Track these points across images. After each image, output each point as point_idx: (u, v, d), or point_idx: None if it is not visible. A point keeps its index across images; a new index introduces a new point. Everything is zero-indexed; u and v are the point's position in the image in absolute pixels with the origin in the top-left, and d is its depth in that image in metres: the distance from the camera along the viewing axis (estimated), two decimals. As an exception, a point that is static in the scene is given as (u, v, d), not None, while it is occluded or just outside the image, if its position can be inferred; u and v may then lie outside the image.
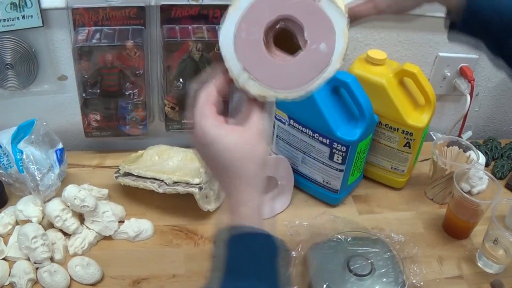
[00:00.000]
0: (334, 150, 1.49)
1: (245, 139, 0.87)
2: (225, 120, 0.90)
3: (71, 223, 1.40)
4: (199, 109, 0.89)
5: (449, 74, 1.86)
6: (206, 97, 0.90)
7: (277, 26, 0.88)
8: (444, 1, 1.03)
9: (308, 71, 0.87)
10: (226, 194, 0.92)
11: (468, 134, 1.96)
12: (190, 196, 1.45)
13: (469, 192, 1.65)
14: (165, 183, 1.45)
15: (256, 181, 0.88)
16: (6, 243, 1.39)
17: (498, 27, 0.96)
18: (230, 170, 0.87)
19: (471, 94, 1.82)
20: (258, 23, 0.87)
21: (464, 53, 1.83)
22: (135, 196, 1.56)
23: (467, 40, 1.07)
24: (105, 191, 1.53)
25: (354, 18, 0.91)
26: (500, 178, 1.81)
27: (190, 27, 1.57)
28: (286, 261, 0.89)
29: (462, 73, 1.84)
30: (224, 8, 1.51)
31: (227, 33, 0.88)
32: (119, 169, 1.55)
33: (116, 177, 1.53)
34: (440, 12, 1.68)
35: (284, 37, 0.89)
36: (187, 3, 1.53)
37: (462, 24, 1.01)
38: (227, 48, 0.89)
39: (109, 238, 1.44)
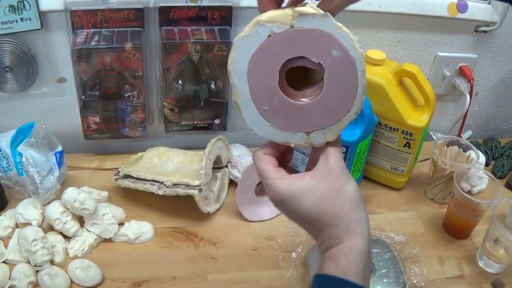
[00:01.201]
0: (333, 151, 1.49)
1: (324, 179, 0.84)
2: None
3: (71, 226, 1.40)
4: (259, 171, 0.88)
5: (448, 73, 1.85)
6: (263, 163, 0.88)
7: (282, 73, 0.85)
8: None
9: (347, 81, 0.83)
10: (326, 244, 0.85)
11: (468, 133, 1.96)
12: (190, 198, 1.45)
13: (469, 192, 1.65)
14: (165, 185, 1.45)
15: (357, 223, 0.83)
16: (6, 246, 1.38)
17: None
18: (320, 219, 0.83)
19: (470, 93, 1.82)
20: (269, 88, 0.84)
21: (463, 52, 1.84)
22: (135, 198, 1.56)
23: None
24: (104, 194, 1.54)
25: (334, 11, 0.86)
26: (500, 178, 1.81)
27: (188, 28, 1.57)
28: None
29: (462, 72, 1.84)
30: (222, 9, 1.53)
31: (256, 122, 0.87)
32: (119, 171, 1.55)
33: (116, 179, 1.53)
34: (438, 11, 1.69)
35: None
36: (186, 4, 1.53)
37: None
38: (269, 131, 0.88)
39: (109, 240, 1.44)
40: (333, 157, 0.85)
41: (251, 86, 0.84)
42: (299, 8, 0.79)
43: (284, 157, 0.93)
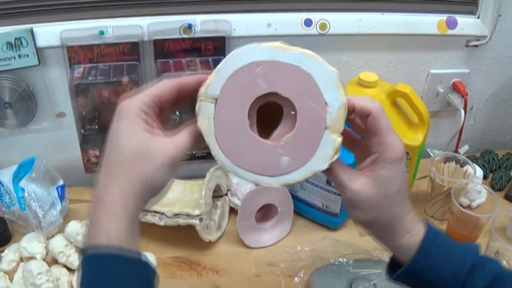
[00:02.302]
0: (331, 174, 1.50)
1: (148, 140, 0.81)
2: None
3: (75, 259, 1.41)
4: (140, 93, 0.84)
5: (442, 90, 1.87)
6: (154, 89, 0.84)
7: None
8: (395, 241, 0.90)
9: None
10: (96, 182, 0.82)
11: (465, 148, 1.97)
12: (191, 227, 1.46)
13: (468, 207, 1.66)
14: (166, 215, 1.46)
15: (130, 193, 0.80)
16: (11, 280, 1.40)
17: (446, 277, 0.86)
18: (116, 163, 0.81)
19: (465, 108, 1.83)
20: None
21: (455, 68, 1.85)
22: (137, 229, 1.56)
23: None
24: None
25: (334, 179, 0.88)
26: (499, 190, 1.81)
27: (183, 60, 1.58)
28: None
29: (455, 88, 1.85)
30: (215, 40, 1.55)
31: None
32: (120, 203, 1.55)
33: (118, 211, 1.54)
34: (428, 29, 1.71)
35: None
36: (179, 36, 1.55)
37: (408, 268, 0.88)
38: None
39: (113, 272, 1.45)
40: (182, 138, 0.86)
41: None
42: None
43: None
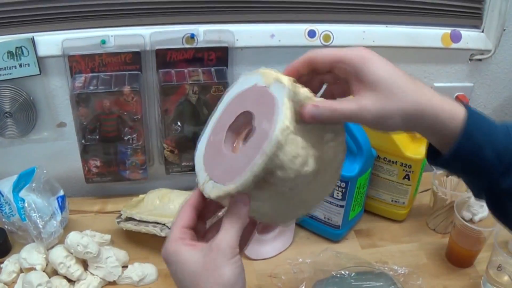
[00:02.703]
0: (334, 186, 1.49)
1: (205, 255, 0.80)
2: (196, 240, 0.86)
3: (75, 270, 1.40)
4: (170, 232, 0.86)
5: (445, 103, 1.85)
6: (177, 220, 0.86)
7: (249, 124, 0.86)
8: (430, 129, 0.86)
9: (251, 153, 0.78)
10: None
11: (467, 161, 1.96)
12: (192, 238, 1.44)
13: (470, 220, 1.64)
14: (167, 226, 1.45)
15: None
16: (11, 291, 1.39)
17: (491, 160, 0.84)
18: None
19: (468, 122, 1.82)
20: (223, 125, 0.86)
21: (459, 81, 1.85)
22: (138, 240, 1.56)
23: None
24: (107, 237, 1.53)
25: (331, 117, 0.80)
26: (501, 205, 1.80)
27: (185, 70, 1.58)
28: None
29: (458, 101, 1.83)
30: (218, 50, 1.55)
31: (202, 144, 0.90)
32: (121, 214, 1.55)
33: (118, 222, 1.53)
34: (433, 42, 1.71)
35: None
36: (182, 46, 1.55)
37: (453, 154, 0.85)
38: (198, 158, 0.89)
39: (113, 283, 1.44)
40: (222, 233, 0.81)
41: (220, 116, 0.89)
42: (280, 75, 0.81)
43: (209, 209, 0.91)
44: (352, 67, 0.81)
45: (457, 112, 0.83)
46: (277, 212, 0.87)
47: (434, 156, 0.89)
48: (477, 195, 0.91)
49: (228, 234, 0.80)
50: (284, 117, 0.76)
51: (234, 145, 0.87)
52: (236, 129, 0.86)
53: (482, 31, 1.78)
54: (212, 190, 0.82)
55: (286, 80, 0.80)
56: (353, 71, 0.81)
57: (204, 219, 0.91)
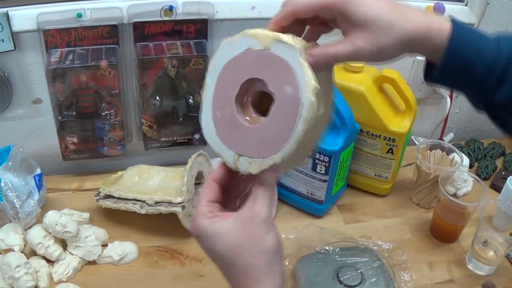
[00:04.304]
0: (317, 161, 1.48)
1: (244, 225, 0.81)
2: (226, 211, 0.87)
3: (54, 250, 1.38)
4: (196, 208, 0.86)
5: (427, 77, 1.84)
6: (202, 195, 0.86)
7: (251, 91, 0.86)
8: (425, 49, 0.87)
9: (286, 121, 0.80)
10: None
11: (450, 136, 1.96)
12: (173, 215, 1.42)
13: (454, 195, 1.65)
14: (147, 203, 1.43)
15: (268, 276, 0.81)
16: (-12, 273, 1.36)
17: (481, 74, 0.85)
18: (233, 264, 0.82)
19: (451, 96, 1.82)
20: (226, 97, 0.85)
21: (441, 55, 1.83)
22: (117, 218, 1.53)
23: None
24: (86, 215, 1.51)
25: (327, 62, 0.82)
26: (484, 179, 1.81)
27: (164, 43, 1.56)
28: None
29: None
30: (197, 23, 1.52)
31: (207, 123, 0.87)
32: (100, 192, 1.52)
33: (97, 200, 1.51)
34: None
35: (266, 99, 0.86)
36: (160, 19, 1.51)
37: (441, 71, 0.87)
38: (212, 138, 0.88)
39: (93, 263, 1.41)
40: (260, 203, 0.82)
41: (216, 88, 0.86)
42: (277, 34, 0.80)
43: (232, 184, 0.91)
44: (338, 11, 0.82)
45: (444, 27, 0.83)
46: (291, 161, 0.86)
47: (429, 72, 0.91)
48: (476, 107, 0.92)
49: (265, 203, 0.82)
50: (308, 78, 0.78)
51: (248, 117, 0.86)
52: (241, 99, 0.86)
53: (466, 5, 1.77)
54: (252, 166, 0.83)
55: (289, 38, 0.80)
56: (339, 14, 0.82)
57: (230, 194, 0.91)
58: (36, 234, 1.38)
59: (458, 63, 0.84)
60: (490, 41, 0.85)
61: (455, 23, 0.84)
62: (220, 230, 0.81)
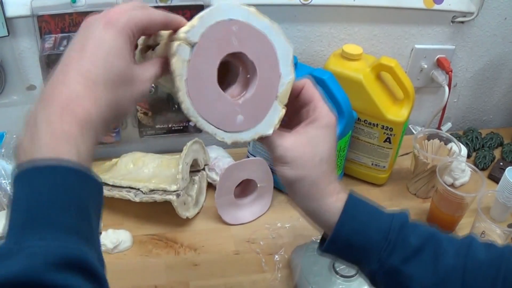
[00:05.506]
0: (313, 149, 1.46)
1: (132, 63, 0.77)
2: None
3: (47, 238, 1.36)
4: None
5: (426, 66, 1.84)
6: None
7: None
8: (321, 205, 0.92)
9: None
10: (58, 87, 0.73)
11: (447, 125, 1.95)
12: (168, 203, 1.42)
13: (452, 185, 1.64)
14: (142, 191, 1.42)
15: (106, 113, 0.74)
16: (-20, 261, 1.34)
17: (375, 236, 0.89)
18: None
19: (449, 85, 1.80)
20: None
21: (440, 44, 1.82)
22: (112, 206, 1.52)
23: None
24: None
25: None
26: (482, 169, 1.80)
27: (159, 29, 1.53)
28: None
29: (439, 64, 1.82)
30: (193, 8, 1.50)
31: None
32: (94, 179, 1.51)
33: (91, 187, 1.49)
34: (415, 3, 1.67)
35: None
36: (156, 4, 1.50)
37: (334, 235, 0.90)
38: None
39: (86, 251, 1.40)
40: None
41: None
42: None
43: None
44: (318, 128, 0.92)
45: (339, 192, 0.92)
46: None
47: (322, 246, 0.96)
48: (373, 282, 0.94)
49: (154, 74, 0.82)
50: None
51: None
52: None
53: (465, -6, 1.75)
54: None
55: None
56: (323, 121, 0.92)
57: None
58: (30, 222, 1.36)
59: (353, 226, 0.89)
60: (385, 212, 0.92)
61: (351, 193, 0.93)
62: (125, 54, 0.76)
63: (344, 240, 0.90)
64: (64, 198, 0.66)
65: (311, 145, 0.90)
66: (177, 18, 0.82)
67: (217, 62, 0.85)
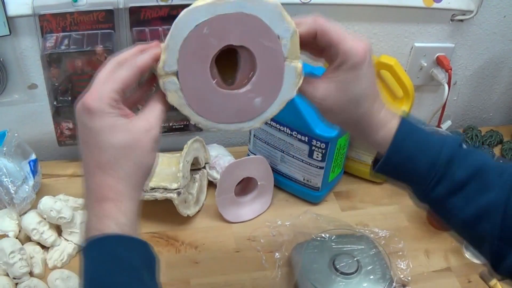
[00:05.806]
0: (313, 148, 1.47)
1: (137, 133, 0.82)
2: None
3: (49, 236, 1.37)
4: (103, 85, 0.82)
5: (425, 64, 1.84)
6: (119, 77, 0.82)
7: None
8: (371, 138, 0.93)
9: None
10: (89, 185, 0.83)
11: (447, 123, 1.95)
12: (168, 201, 1.42)
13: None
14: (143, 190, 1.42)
15: (131, 179, 0.82)
16: (-17, 259, 1.35)
17: (423, 168, 0.89)
18: (115, 160, 0.81)
19: (448, 83, 1.81)
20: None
21: (440, 42, 1.82)
22: (113, 204, 1.52)
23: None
24: (81, 201, 1.50)
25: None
26: (482, 167, 1.79)
27: (160, 28, 1.54)
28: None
29: (439, 62, 1.82)
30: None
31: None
32: (95, 178, 1.51)
33: (92, 185, 1.50)
34: (414, 1, 1.68)
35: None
36: (156, 4, 1.50)
37: (384, 163, 0.92)
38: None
39: (88, 249, 1.41)
40: (154, 115, 0.87)
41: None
42: None
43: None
44: (346, 70, 0.88)
45: (390, 121, 0.91)
46: None
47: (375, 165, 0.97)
48: (419, 200, 0.96)
49: (160, 118, 0.86)
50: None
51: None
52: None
53: (465, -9, 1.75)
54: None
55: None
56: (348, 63, 0.87)
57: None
58: (31, 220, 1.37)
59: (400, 157, 0.90)
60: (436, 139, 0.91)
61: (403, 119, 0.92)
62: (119, 124, 0.81)
63: (392, 169, 0.93)
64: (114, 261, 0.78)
65: (343, 90, 0.88)
66: (145, 59, 0.83)
67: (207, 71, 0.85)
